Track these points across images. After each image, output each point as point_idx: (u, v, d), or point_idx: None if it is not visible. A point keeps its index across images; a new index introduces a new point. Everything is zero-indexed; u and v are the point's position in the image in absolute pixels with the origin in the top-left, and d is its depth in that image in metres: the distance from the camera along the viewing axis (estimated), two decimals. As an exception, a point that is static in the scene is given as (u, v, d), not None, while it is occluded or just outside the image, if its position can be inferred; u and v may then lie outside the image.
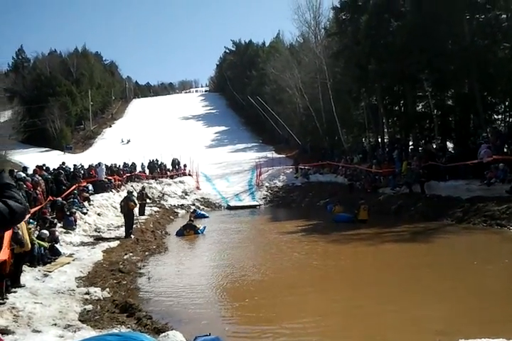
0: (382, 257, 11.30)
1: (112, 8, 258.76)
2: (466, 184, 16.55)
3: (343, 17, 26.49)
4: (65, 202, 14.99)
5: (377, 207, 19.23)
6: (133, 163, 29.87)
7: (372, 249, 12.11)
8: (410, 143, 24.44)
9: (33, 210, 11.79)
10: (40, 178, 14.38)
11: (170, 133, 52.30)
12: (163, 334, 2.76)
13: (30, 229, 9.18)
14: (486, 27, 18.64)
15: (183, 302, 8.17)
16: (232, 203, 26.98)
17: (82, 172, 21.06)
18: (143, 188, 22.17)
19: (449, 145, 22.18)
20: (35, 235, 9.82)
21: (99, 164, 22.37)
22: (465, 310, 6.90)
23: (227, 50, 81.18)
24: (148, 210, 21.01)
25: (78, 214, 15.13)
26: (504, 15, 18.88)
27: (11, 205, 2.08)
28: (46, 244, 10.22)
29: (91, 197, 18.24)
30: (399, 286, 8.47)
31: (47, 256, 9.90)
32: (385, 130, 27.01)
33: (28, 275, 8.54)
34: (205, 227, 17.02)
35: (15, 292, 7.42)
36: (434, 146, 21.12)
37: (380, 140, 27.23)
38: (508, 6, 18.36)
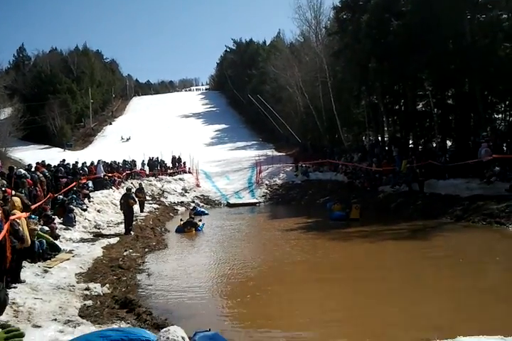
0: (381, 254, 11.32)
1: (113, 7, 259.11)
2: (466, 182, 16.55)
3: (344, 16, 26.46)
4: (65, 198, 15.01)
5: (377, 205, 19.27)
6: (133, 160, 29.89)
7: (371, 246, 12.13)
8: (410, 141, 24.46)
9: (33, 206, 11.79)
10: (41, 175, 14.37)
11: (170, 131, 52.35)
12: (165, 329, 2.75)
13: (36, 226, 9.20)
14: (487, 26, 18.65)
15: (183, 298, 8.19)
16: (232, 200, 27.01)
17: (83, 168, 21.05)
18: (140, 185, 22.24)
19: (449, 143, 22.18)
20: (38, 230, 9.82)
21: (99, 162, 22.40)
22: (464, 307, 6.94)
23: (227, 49, 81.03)
24: (147, 207, 21.05)
25: (78, 211, 15.15)
26: (505, 15, 18.94)
27: None
28: (49, 238, 10.28)
29: (91, 194, 18.26)
30: (397, 283, 8.49)
31: (47, 252, 9.90)
32: (385, 128, 27.04)
33: (28, 271, 8.53)
34: (203, 224, 17.04)
35: (15, 287, 7.42)
36: (434, 145, 21.12)
37: (380, 138, 27.28)
38: (510, 6, 18.33)
